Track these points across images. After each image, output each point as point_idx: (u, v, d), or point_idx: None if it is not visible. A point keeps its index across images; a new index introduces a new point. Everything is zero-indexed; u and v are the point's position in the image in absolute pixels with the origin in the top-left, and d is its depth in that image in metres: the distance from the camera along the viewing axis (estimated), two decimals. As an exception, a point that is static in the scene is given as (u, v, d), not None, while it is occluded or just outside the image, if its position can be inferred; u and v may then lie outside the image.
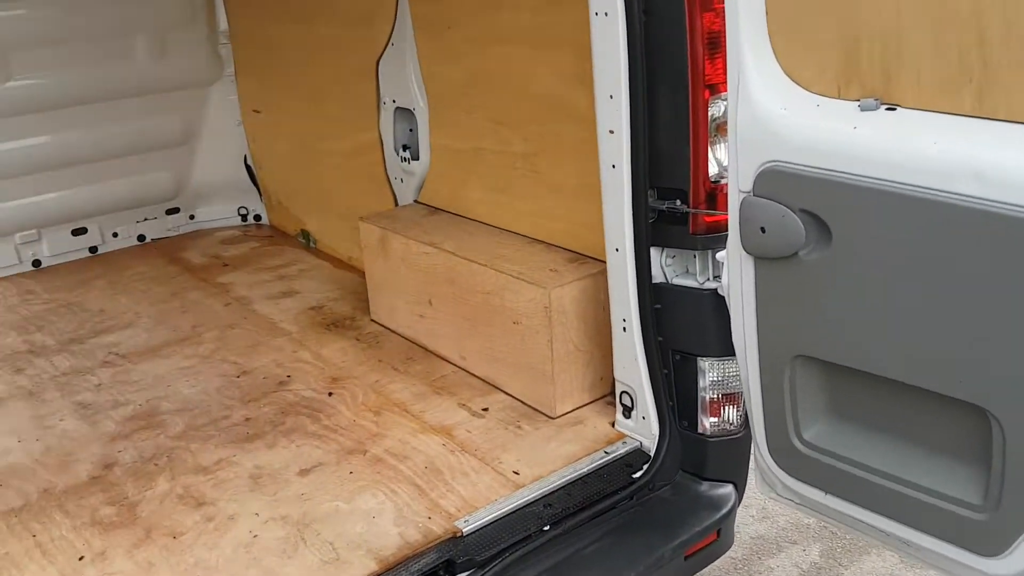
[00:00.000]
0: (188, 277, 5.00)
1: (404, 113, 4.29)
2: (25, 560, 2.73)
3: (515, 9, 3.48)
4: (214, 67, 5.41)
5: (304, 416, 3.50)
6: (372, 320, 4.31)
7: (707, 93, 2.57)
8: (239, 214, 5.81)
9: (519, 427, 3.36)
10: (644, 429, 3.15)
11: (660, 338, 3.01)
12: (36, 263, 5.18)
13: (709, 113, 2.59)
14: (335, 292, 4.70)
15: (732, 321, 2.48)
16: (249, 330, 4.30)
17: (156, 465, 3.22)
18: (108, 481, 3.14)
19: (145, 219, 5.54)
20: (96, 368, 3.99)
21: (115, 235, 5.44)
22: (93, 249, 5.37)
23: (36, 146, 4.96)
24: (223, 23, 5.35)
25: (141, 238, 5.54)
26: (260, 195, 5.76)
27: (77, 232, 5.28)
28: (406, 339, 4.09)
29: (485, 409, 3.49)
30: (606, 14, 2.68)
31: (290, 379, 3.81)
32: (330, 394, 3.65)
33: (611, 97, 2.78)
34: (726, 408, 2.99)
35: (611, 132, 2.83)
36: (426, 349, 3.98)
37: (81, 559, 2.73)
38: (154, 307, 4.63)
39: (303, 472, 3.12)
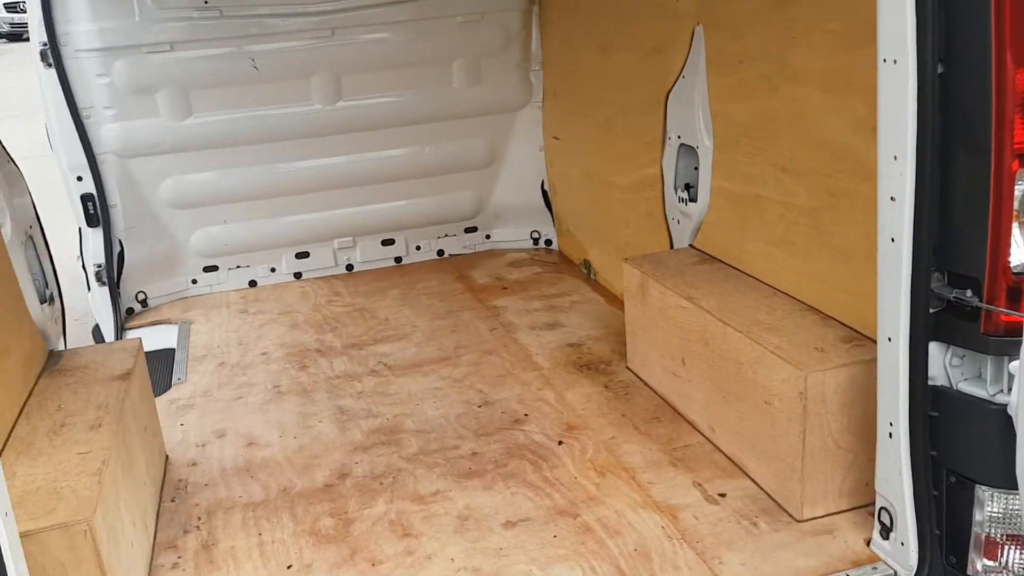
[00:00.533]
0: (468, 296, 5.15)
1: (688, 151, 4.00)
2: (244, 558, 2.92)
3: (810, 47, 3.05)
4: (524, 93, 5.52)
5: (528, 462, 3.39)
6: (627, 367, 4.09)
7: (1016, 164, 2.00)
8: (531, 237, 5.89)
9: (755, 524, 2.93)
10: (901, 557, 2.58)
11: (933, 453, 2.44)
12: (349, 267, 5.67)
13: (1016, 188, 2.01)
14: (599, 330, 4.54)
15: (1018, 448, 1.92)
16: (504, 359, 4.29)
17: (381, 484, 3.30)
18: (337, 492, 3.27)
19: (446, 235, 5.83)
20: (364, 375, 4.22)
21: (418, 248, 5.79)
22: (398, 259, 5.75)
23: (360, 162, 5.42)
24: (536, 50, 5.43)
25: (440, 253, 5.83)
26: (553, 220, 5.79)
27: (386, 243, 5.70)
28: (657, 395, 3.81)
29: (722, 495, 3.10)
30: (895, 61, 2.20)
31: (526, 418, 3.72)
32: (560, 443, 3.49)
33: (895, 158, 2.29)
34: (1007, 550, 2.34)
35: (892, 199, 2.33)
36: (675, 410, 3.67)
37: (289, 567, 2.86)
38: (430, 323, 4.82)
39: (509, 524, 3.00)
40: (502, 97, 5.50)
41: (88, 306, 5.13)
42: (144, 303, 5.20)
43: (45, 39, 4.50)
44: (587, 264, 5.35)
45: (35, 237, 3.33)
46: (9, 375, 2.79)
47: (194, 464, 3.52)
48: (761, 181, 3.46)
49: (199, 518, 3.16)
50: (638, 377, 3.98)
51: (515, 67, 5.42)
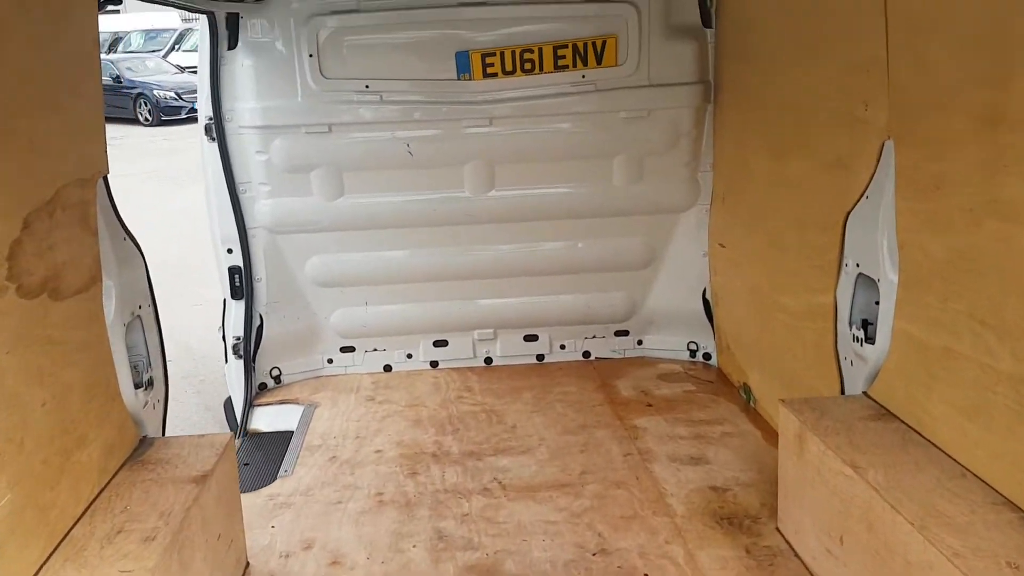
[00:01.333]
0: (607, 410, 4.68)
1: (867, 282, 3.39)
2: None
3: (1025, 179, 2.43)
4: (690, 194, 5.07)
5: (635, 637, 2.85)
6: (777, 528, 3.46)
7: None
8: (688, 348, 5.35)
9: None
10: None
11: None
12: (487, 360, 5.37)
13: None
14: (750, 473, 3.93)
15: None
16: (633, 495, 3.78)
17: (461, 640, 2.88)
18: (411, 639, 2.89)
19: (593, 336, 5.41)
20: (475, 493, 3.85)
21: (562, 347, 5.40)
22: (539, 357, 5.39)
23: (508, 253, 5.15)
24: (707, 150, 4.97)
25: (586, 355, 5.42)
26: (713, 333, 5.23)
27: (528, 338, 5.36)
28: (809, 573, 3.16)
29: None
30: None
31: (647, 579, 3.18)
32: (676, 622, 2.93)
33: None
34: None
35: None
36: (826, 597, 3.01)
37: None
38: (559, 436, 4.39)
39: None
40: (666, 197, 5.07)
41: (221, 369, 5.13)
42: (278, 379, 5.12)
43: (211, 114, 4.60)
44: (747, 389, 4.74)
45: (144, 316, 3.26)
46: (82, 468, 2.64)
47: (272, 577, 3.27)
48: (955, 332, 2.80)
49: (260, 646, 2.87)
50: (788, 544, 3.34)
51: (682, 166, 4.98)
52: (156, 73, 24.28)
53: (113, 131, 22.36)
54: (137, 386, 3.14)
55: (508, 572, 3.26)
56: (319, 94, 4.65)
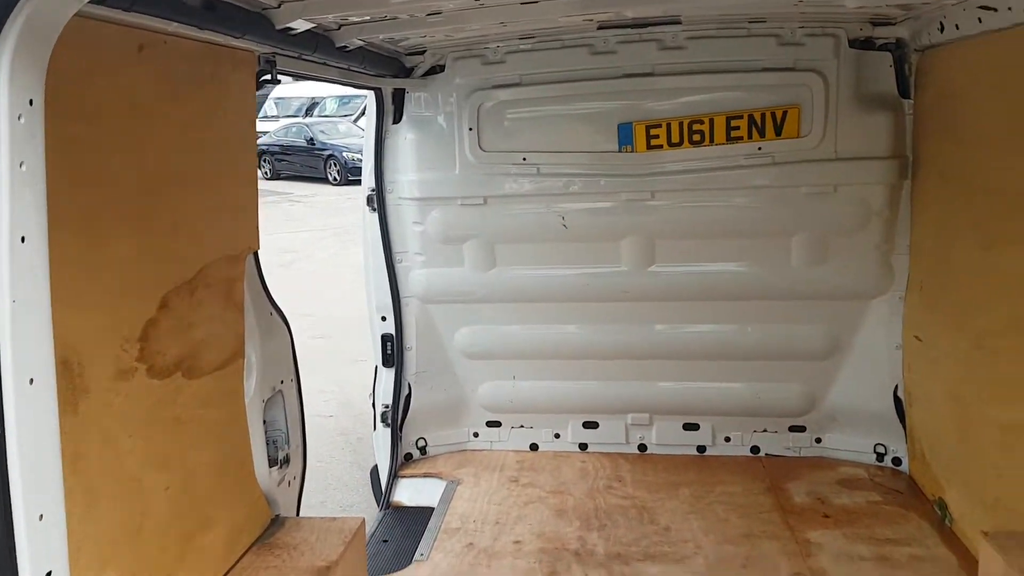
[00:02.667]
0: (776, 518, 4.18)
1: (1105, 401, 2.80)
2: None
3: None
4: (883, 280, 4.52)
5: None
6: None
7: None
8: (875, 451, 4.73)
9: None
10: None
11: None
12: (642, 447, 5.00)
13: None
14: (944, 613, 3.34)
15: None
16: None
17: None
18: None
19: (764, 430, 4.92)
20: (616, 604, 3.49)
21: (727, 440, 4.95)
22: (701, 448, 4.96)
23: (668, 333, 4.81)
24: (903, 231, 4.43)
25: (755, 450, 4.93)
26: (905, 436, 4.60)
27: (688, 427, 4.95)
28: None
29: None
30: None
31: None
32: None
33: None
34: None
35: None
36: None
37: None
38: (718, 546, 3.94)
39: None
40: (853, 282, 4.55)
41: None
42: (423, 450, 4.99)
43: (374, 185, 4.61)
44: (942, 505, 4.10)
45: (286, 392, 3.19)
46: (205, 551, 2.55)
47: None
48: None
49: None
50: None
51: (873, 248, 4.46)
52: (346, 136, 25.81)
53: (305, 189, 24.13)
54: (272, 463, 3.06)
55: None
56: (476, 167, 4.57)
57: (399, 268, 4.73)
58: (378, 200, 4.63)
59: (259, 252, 2.99)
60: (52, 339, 1.41)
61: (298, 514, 3.27)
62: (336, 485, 6.42)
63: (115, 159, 2.12)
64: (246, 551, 2.83)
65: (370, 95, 4.62)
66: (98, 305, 2.03)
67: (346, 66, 3.66)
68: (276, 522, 3.05)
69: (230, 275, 2.72)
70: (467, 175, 4.58)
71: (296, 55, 3.05)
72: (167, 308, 2.33)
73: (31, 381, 1.36)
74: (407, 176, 4.62)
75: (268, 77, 2.94)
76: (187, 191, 2.45)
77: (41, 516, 1.37)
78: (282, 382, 3.17)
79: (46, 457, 1.38)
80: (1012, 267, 3.36)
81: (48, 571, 1.38)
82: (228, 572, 2.70)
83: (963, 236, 3.81)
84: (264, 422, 3.08)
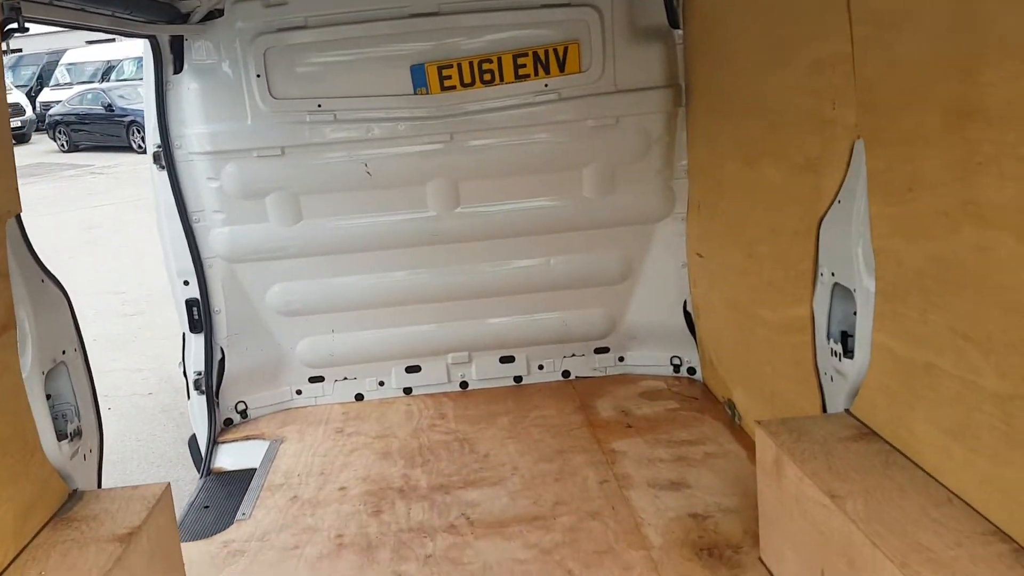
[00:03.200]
0: (585, 433, 4.45)
1: (844, 292, 3.17)
2: None
3: (1001, 179, 2.21)
4: (665, 203, 4.84)
5: None
6: (760, 559, 3.23)
7: None
8: (672, 363, 5.12)
9: None
10: None
11: None
12: (463, 384, 5.15)
13: None
14: (734, 498, 3.70)
15: None
16: (608, 527, 3.55)
17: None
18: None
19: (573, 355, 5.19)
20: (440, 531, 3.63)
21: (540, 367, 5.18)
22: (517, 379, 5.17)
23: (478, 273, 4.94)
24: (680, 156, 4.75)
25: (565, 374, 5.19)
26: (696, 346, 5.00)
27: (505, 360, 5.14)
28: (789, 607, 2.93)
29: None
30: None
31: (618, 621, 2.96)
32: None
33: None
34: None
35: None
36: (808, 636, 2.77)
37: None
38: (534, 465, 4.16)
39: None
40: (640, 207, 4.85)
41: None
42: (244, 414, 4.92)
43: (159, 141, 4.41)
44: (731, 405, 4.51)
45: (70, 362, 3.05)
46: (-11, 533, 2.43)
47: (217, 635, 3.05)
48: (936, 347, 2.58)
49: None
50: (769, 576, 3.11)
51: (655, 174, 4.76)
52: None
53: (107, 159, 22.55)
54: (62, 437, 2.94)
55: (469, 620, 3.04)
56: (270, 115, 4.45)
57: (197, 228, 4.57)
58: (166, 157, 4.42)
59: (22, 215, 2.82)
60: None
61: (99, 487, 3.17)
62: (160, 462, 6.19)
63: None
64: (42, 527, 2.72)
65: (144, 44, 4.37)
66: None
67: (110, 11, 3.44)
68: (74, 496, 2.94)
69: (-13, 242, 2.56)
70: (260, 125, 4.46)
71: None
72: (-89, 280, 2.18)
73: None
74: (195, 129, 4.43)
75: (14, 25, 2.74)
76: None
77: None
78: (64, 352, 3.02)
79: None
80: (769, 180, 3.69)
81: None
82: (22, 550, 2.59)
83: (730, 156, 4.14)
84: (49, 396, 2.95)
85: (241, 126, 4.45)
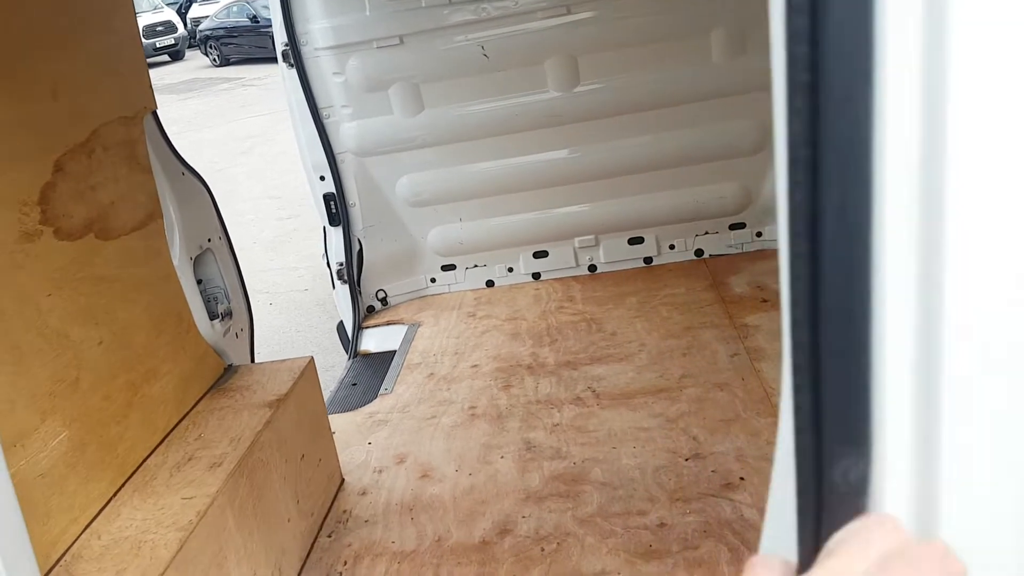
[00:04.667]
0: (716, 310, 4.40)
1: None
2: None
3: None
4: None
5: (727, 545, 2.68)
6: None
7: None
8: (811, 237, 4.91)
9: None
10: None
11: None
12: (592, 268, 5.18)
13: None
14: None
15: None
16: (738, 397, 3.54)
17: (542, 551, 2.82)
18: (491, 553, 2.85)
19: (706, 232, 5.08)
20: (566, 403, 3.74)
21: (671, 247, 5.12)
22: (648, 260, 5.14)
23: (603, 152, 4.87)
24: (815, 13, 4.42)
25: (699, 253, 5.11)
26: (837, 218, 4.76)
27: (633, 241, 5.11)
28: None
29: None
30: None
31: (742, 483, 2.98)
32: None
33: None
34: None
35: None
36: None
37: (405, 646, 2.50)
38: (661, 342, 4.18)
39: (666, 639, 2.36)
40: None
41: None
42: (384, 301, 5.17)
43: (286, 39, 4.54)
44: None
45: (216, 249, 3.30)
46: (154, 400, 2.73)
47: (364, 494, 3.31)
48: None
49: (345, 563, 2.92)
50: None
51: (787, 35, 4.46)
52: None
53: (256, 72, 23.46)
54: (213, 317, 3.21)
55: (595, 479, 3.15)
56: (387, 4, 4.49)
57: (328, 124, 4.73)
58: (294, 54, 4.57)
59: (158, 112, 3.02)
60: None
61: (252, 363, 3.46)
62: (317, 350, 6.66)
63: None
64: (200, 397, 3.02)
65: None
66: (-17, 171, 2.11)
67: None
68: (229, 370, 3.23)
69: (128, 137, 2.77)
70: (378, 15, 4.51)
71: None
72: (63, 172, 2.40)
73: None
74: (318, 24, 4.53)
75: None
76: (62, 51, 2.46)
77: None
78: (209, 240, 3.27)
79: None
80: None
81: None
82: (184, 417, 2.90)
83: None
84: (200, 281, 3.21)
85: (360, 17, 4.52)
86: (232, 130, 16.26)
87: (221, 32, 25.53)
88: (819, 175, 0.69)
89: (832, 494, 0.71)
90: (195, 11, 30.27)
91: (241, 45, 25.12)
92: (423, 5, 4.49)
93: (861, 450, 0.69)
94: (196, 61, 26.91)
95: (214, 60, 25.64)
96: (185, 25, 29.20)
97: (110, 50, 2.71)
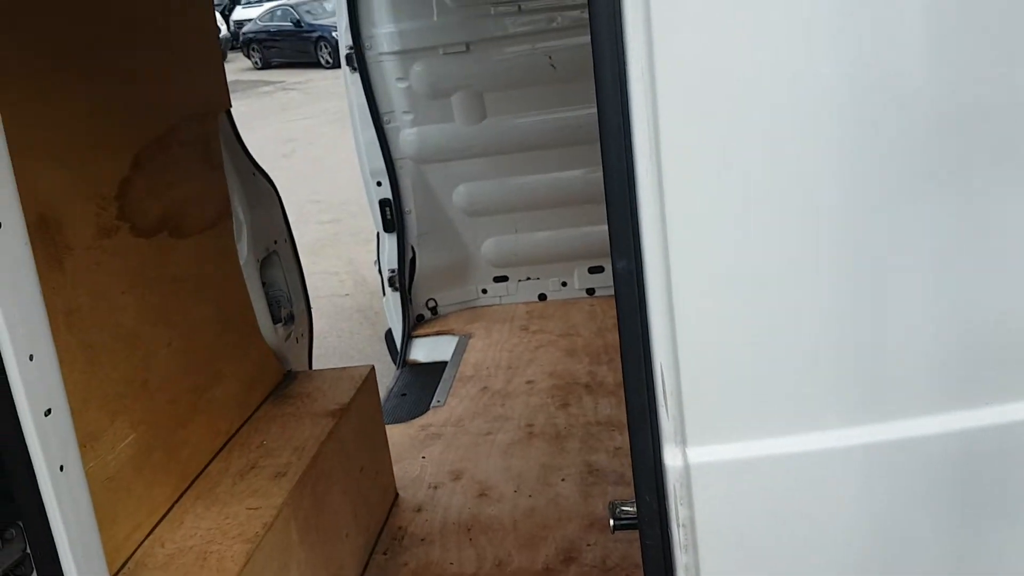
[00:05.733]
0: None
1: None
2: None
3: None
4: None
5: None
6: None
7: None
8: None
9: None
10: None
11: None
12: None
13: None
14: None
15: None
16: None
17: (607, 582, 2.70)
18: (554, 582, 2.74)
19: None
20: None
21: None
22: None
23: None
24: None
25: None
26: None
27: None
28: None
29: None
30: None
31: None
32: None
33: None
34: None
35: None
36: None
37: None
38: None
39: None
40: None
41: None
42: (434, 310, 5.08)
43: (351, 42, 4.49)
44: None
45: (281, 252, 3.22)
46: (218, 404, 2.65)
47: (419, 510, 3.21)
48: None
49: (401, 582, 2.82)
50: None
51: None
52: (334, 15, 24.91)
53: (298, 76, 23.63)
54: (276, 321, 3.13)
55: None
56: (455, 10, 4.42)
57: (388, 129, 4.66)
58: (358, 58, 4.51)
59: (231, 111, 2.96)
60: (13, 181, 1.42)
61: (310, 369, 3.38)
62: (359, 357, 6.58)
63: (61, 17, 2.08)
64: (262, 402, 2.94)
65: None
66: (66, 161, 2.04)
67: None
68: (289, 376, 3.15)
69: (203, 134, 2.70)
70: (446, 21, 4.44)
71: None
72: (140, 167, 2.34)
73: None
74: (384, 28, 4.47)
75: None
76: (144, 47, 2.40)
77: (31, 356, 1.42)
78: (275, 243, 3.20)
79: (26, 300, 1.42)
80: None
81: (47, 409, 1.44)
82: (247, 421, 2.82)
83: None
84: (264, 283, 3.14)
85: (427, 23, 4.45)
86: (273, 132, 16.35)
87: (264, 35, 25.80)
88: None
89: None
90: (238, 13, 30.60)
91: (284, 49, 25.36)
92: (492, 13, 4.41)
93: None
94: (238, 63, 27.19)
95: (256, 63, 25.89)
96: (228, 27, 29.53)
97: (188, 45, 2.65)
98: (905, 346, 1.20)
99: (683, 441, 1.27)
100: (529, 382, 4.13)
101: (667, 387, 1.28)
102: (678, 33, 1.13)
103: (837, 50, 1.12)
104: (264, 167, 3.21)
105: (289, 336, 3.21)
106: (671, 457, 1.29)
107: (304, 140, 15.73)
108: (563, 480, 3.29)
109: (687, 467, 1.27)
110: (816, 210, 1.18)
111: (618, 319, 1.35)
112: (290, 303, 3.25)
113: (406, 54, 4.51)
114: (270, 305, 3.13)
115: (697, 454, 1.27)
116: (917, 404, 1.21)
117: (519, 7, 4.40)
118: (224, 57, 29.12)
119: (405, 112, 4.66)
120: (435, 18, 4.45)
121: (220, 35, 25.84)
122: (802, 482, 1.24)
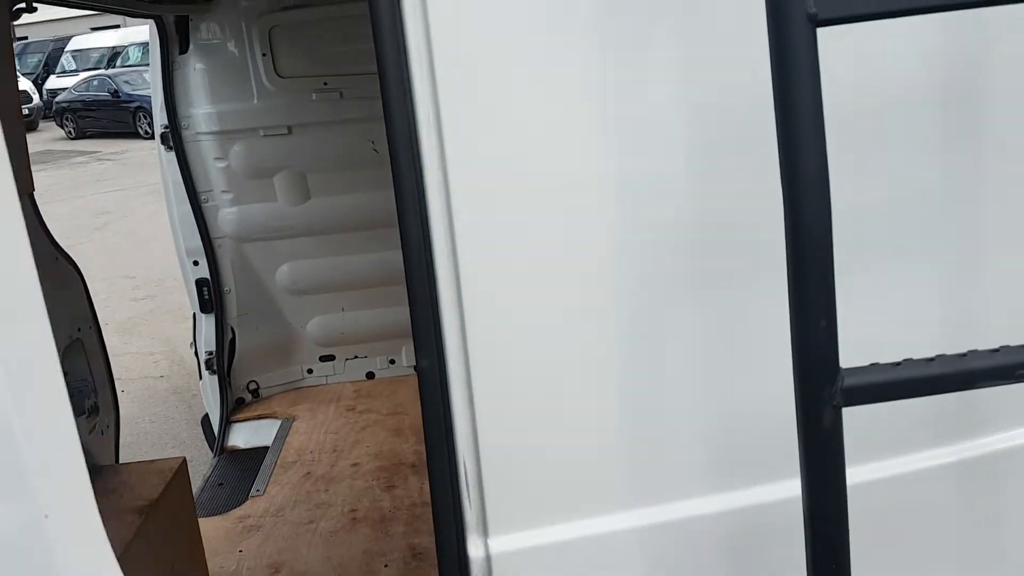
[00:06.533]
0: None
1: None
2: None
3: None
4: None
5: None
6: None
7: None
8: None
9: None
10: None
11: None
12: (473, 362, 5.15)
13: None
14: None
15: None
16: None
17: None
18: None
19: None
20: (453, 505, 3.65)
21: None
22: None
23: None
24: None
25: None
26: None
27: None
28: None
29: None
30: None
31: None
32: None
33: None
34: None
35: None
36: None
37: None
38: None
39: None
40: None
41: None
42: (256, 393, 4.94)
43: (166, 122, 4.41)
44: None
45: (85, 339, 3.07)
46: (8, 507, 2.45)
47: (235, 608, 3.08)
48: None
49: None
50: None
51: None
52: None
53: (114, 146, 22.59)
54: (79, 413, 2.96)
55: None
56: (276, 94, 4.45)
57: (206, 208, 4.57)
58: (173, 137, 4.42)
59: (35, 195, 2.83)
60: None
61: (117, 462, 3.20)
62: (173, 443, 6.25)
63: None
64: (59, 503, 2.75)
65: (150, 25, 4.36)
66: None
67: None
68: (93, 472, 2.96)
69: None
70: (267, 104, 4.46)
71: None
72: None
73: None
74: (202, 109, 4.43)
75: (23, 5, 2.74)
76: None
77: None
78: (79, 330, 3.04)
79: None
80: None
81: None
82: (40, 525, 2.62)
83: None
84: (66, 373, 2.96)
85: (247, 106, 4.45)
86: (86, 204, 15.48)
87: (79, 105, 24.60)
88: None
89: None
90: (52, 82, 29.13)
91: (99, 119, 24.27)
92: (313, 98, 4.48)
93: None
94: (50, 132, 25.70)
95: (69, 133, 24.60)
96: (41, 96, 28.02)
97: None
98: (679, 432, 1.34)
99: (485, 532, 1.34)
100: (354, 464, 4.09)
101: (469, 479, 1.35)
102: (467, 129, 1.25)
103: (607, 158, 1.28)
104: (76, 239, 3.07)
105: (93, 428, 3.03)
106: (474, 548, 1.35)
107: (118, 212, 14.97)
108: (386, 566, 3.26)
109: (488, 557, 1.34)
110: (599, 313, 1.31)
111: (423, 416, 1.41)
112: (95, 393, 3.09)
113: (225, 135, 4.48)
114: (72, 396, 2.95)
115: (498, 543, 1.35)
116: (689, 486, 1.34)
117: (340, 94, 4.49)
118: (34, 127, 27.50)
119: (224, 191, 4.59)
120: (256, 101, 4.46)
121: (31, 104, 24.38)
122: (592, 566, 1.34)
